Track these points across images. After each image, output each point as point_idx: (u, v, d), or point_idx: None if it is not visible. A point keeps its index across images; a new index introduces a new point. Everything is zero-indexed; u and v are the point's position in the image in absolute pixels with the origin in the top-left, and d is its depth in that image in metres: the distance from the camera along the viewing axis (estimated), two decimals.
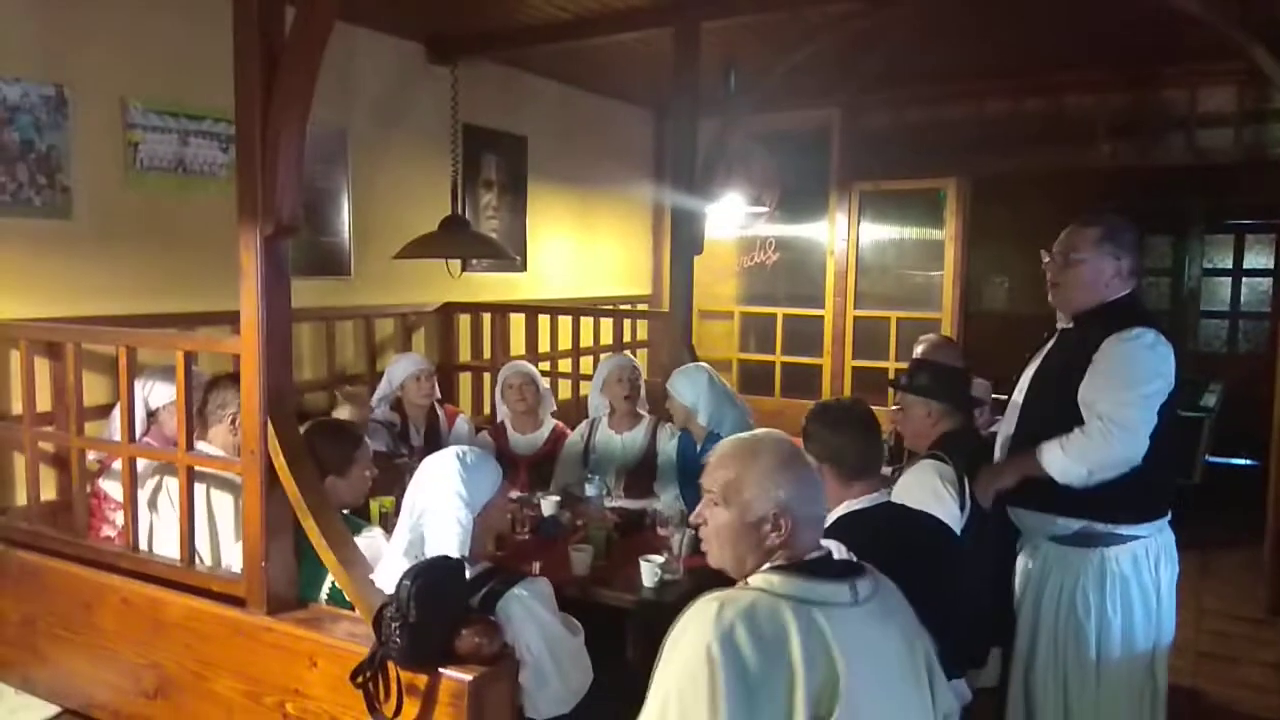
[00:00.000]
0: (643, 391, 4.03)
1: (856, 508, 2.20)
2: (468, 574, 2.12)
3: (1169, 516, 2.58)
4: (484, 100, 5.11)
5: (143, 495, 2.81)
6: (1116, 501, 2.46)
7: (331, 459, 2.58)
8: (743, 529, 1.55)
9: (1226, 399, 6.13)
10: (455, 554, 2.17)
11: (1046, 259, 2.63)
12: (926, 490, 2.48)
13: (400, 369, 4.01)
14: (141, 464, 2.81)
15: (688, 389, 3.66)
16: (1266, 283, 7.90)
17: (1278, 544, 4.59)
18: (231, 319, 2.33)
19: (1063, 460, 2.42)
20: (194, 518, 2.62)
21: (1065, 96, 5.58)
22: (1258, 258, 8.02)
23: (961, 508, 2.49)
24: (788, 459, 1.58)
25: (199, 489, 2.69)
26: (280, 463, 2.29)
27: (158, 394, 3.04)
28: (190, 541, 2.61)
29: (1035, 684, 2.62)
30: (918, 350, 4.17)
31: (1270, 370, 4.97)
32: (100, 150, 3.44)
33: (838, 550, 1.91)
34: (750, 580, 1.52)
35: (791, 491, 1.54)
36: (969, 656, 2.44)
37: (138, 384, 2.94)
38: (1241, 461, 6.27)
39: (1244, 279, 8.11)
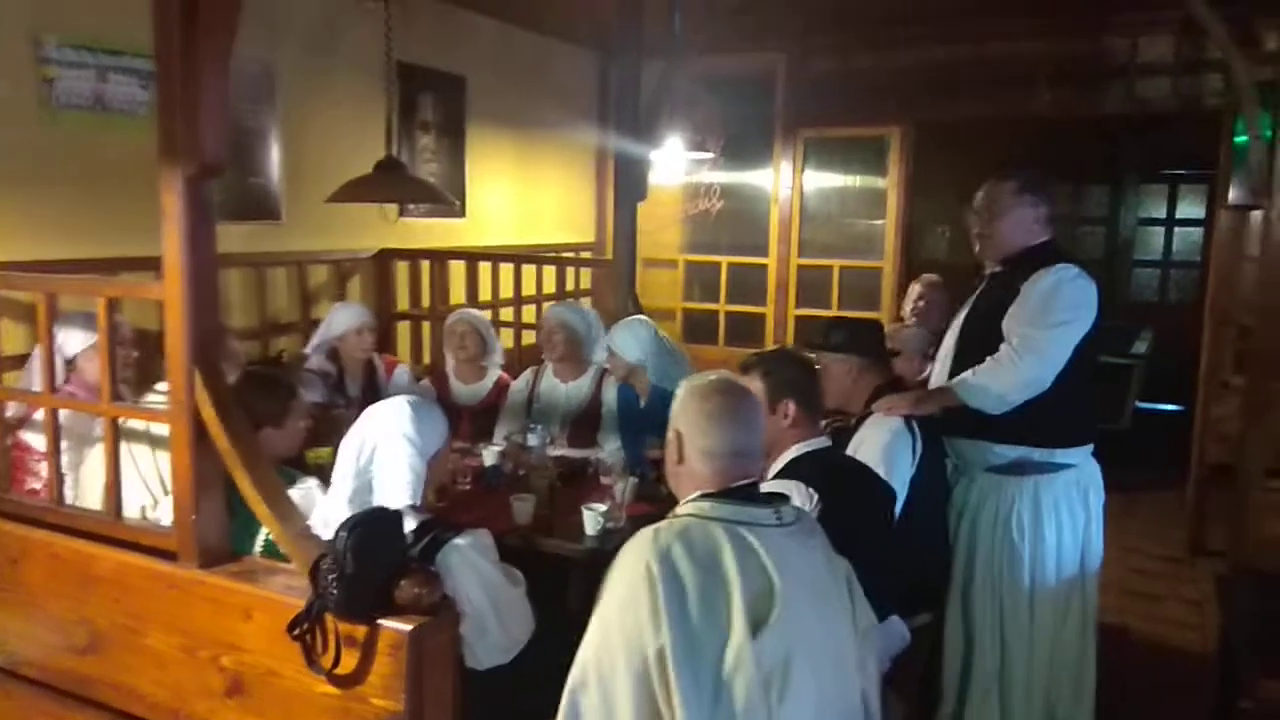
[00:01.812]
0: (584, 340, 3.94)
1: (809, 450, 2.29)
2: (410, 525, 2.10)
3: (1093, 448, 2.75)
4: (420, 38, 4.94)
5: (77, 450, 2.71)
6: (1050, 428, 2.62)
7: (265, 410, 2.52)
8: (668, 456, 1.75)
9: (1157, 346, 6.30)
10: (408, 501, 2.17)
11: (972, 215, 2.81)
12: (883, 441, 2.52)
13: (340, 320, 3.90)
14: (68, 416, 2.71)
15: (632, 345, 3.61)
16: (1198, 233, 8.09)
17: (1200, 487, 4.77)
18: (157, 265, 2.23)
19: (974, 384, 2.57)
20: (119, 469, 2.54)
21: (1009, 44, 5.58)
22: (1190, 207, 8.20)
23: (915, 455, 2.55)
24: (701, 395, 1.70)
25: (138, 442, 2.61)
26: (209, 413, 2.21)
27: (73, 341, 2.91)
28: (117, 494, 2.53)
29: (973, 609, 2.75)
30: (916, 291, 4.22)
31: (1199, 319, 5.12)
32: (12, 88, 3.25)
33: (799, 491, 1.99)
34: (680, 509, 1.64)
35: (687, 423, 1.70)
36: (923, 596, 2.55)
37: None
38: (1169, 407, 6.46)
39: (1176, 229, 8.29)
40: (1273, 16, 4.17)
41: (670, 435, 1.73)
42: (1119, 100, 5.42)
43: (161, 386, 2.70)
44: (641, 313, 4.23)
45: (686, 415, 1.70)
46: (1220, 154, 4.99)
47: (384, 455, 2.23)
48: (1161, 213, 8.33)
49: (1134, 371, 5.80)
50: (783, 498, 1.70)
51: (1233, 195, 4.73)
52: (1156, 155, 7.90)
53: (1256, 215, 4.28)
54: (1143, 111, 5.45)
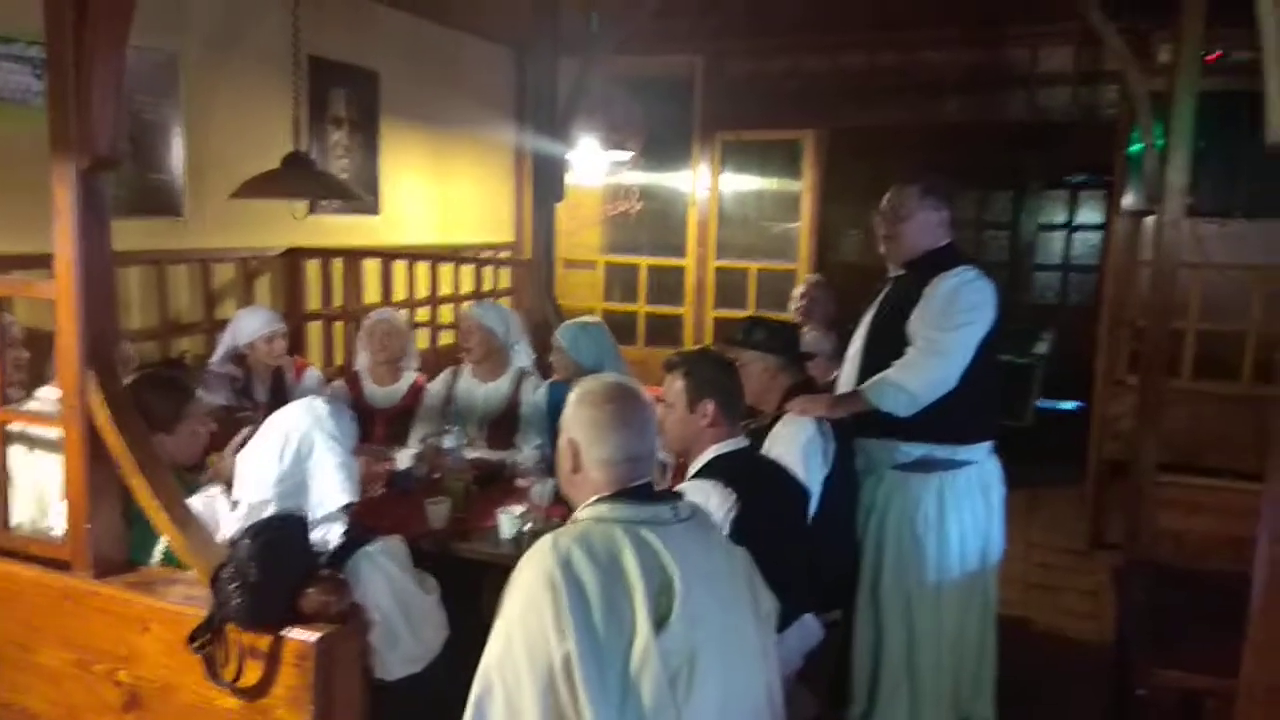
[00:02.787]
0: (503, 340, 3.88)
1: (727, 450, 2.32)
2: (340, 529, 2.05)
3: (994, 445, 2.85)
4: (331, 31, 4.82)
5: None
6: (953, 425, 2.71)
7: (158, 414, 2.42)
8: (561, 464, 1.74)
9: (1057, 347, 6.53)
10: (349, 498, 2.15)
11: (877, 218, 2.89)
12: (797, 442, 2.56)
13: (247, 327, 3.75)
14: None
15: (590, 348, 3.53)
16: (1096, 237, 8.41)
17: (1098, 482, 4.96)
18: (49, 261, 2.13)
19: (883, 387, 2.64)
20: (5, 476, 2.41)
21: (917, 52, 5.73)
22: (1089, 213, 8.51)
23: (827, 456, 2.60)
24: (593, 403, 1.70)
25: (18, 446, 2.48)
26: (103, 417, 2.12)
27: None
28: (3, 502, 2.41)
29: (882, 605, 2.81)
30: (799, 290, 4.39)
31: (1097, 321, 5.32)
32: None
33: (717, 491, 2.01)
34: (578, 514, 1.65)
35: (581, 431, 1.68)
36: (833, 594, 2.60)
37: None
38: (1069, 405, 6.70)
39: (1076, 234, 8.61)
40: (1166, 29, 4.35)
41: (563, 443, 1.72)
42: (1021, 109, 5.62)
43: (42, 392, 2.59)
44: (561, 314, 4.21)
45: (580, 423, 1.69)
46: (1116, 161, 5.20)
47: (316, 455, 2.18)
48: (1062, 218, 8.64)
49: (1035, 371, 6.00)
50: (677, 495, 1.73)
51: (1128, 201, 4.93)
52: (1057, 162, 8.19)
53: (1150, 221, 4.46)
54: (1043, 120, 5.65)
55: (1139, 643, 2.62)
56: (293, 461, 2.16)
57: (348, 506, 2.16)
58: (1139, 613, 2.80)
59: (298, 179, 3.90)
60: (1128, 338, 4.87)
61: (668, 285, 6.62)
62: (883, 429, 2.72)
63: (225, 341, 3.80)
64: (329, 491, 2.14)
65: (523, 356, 3.86)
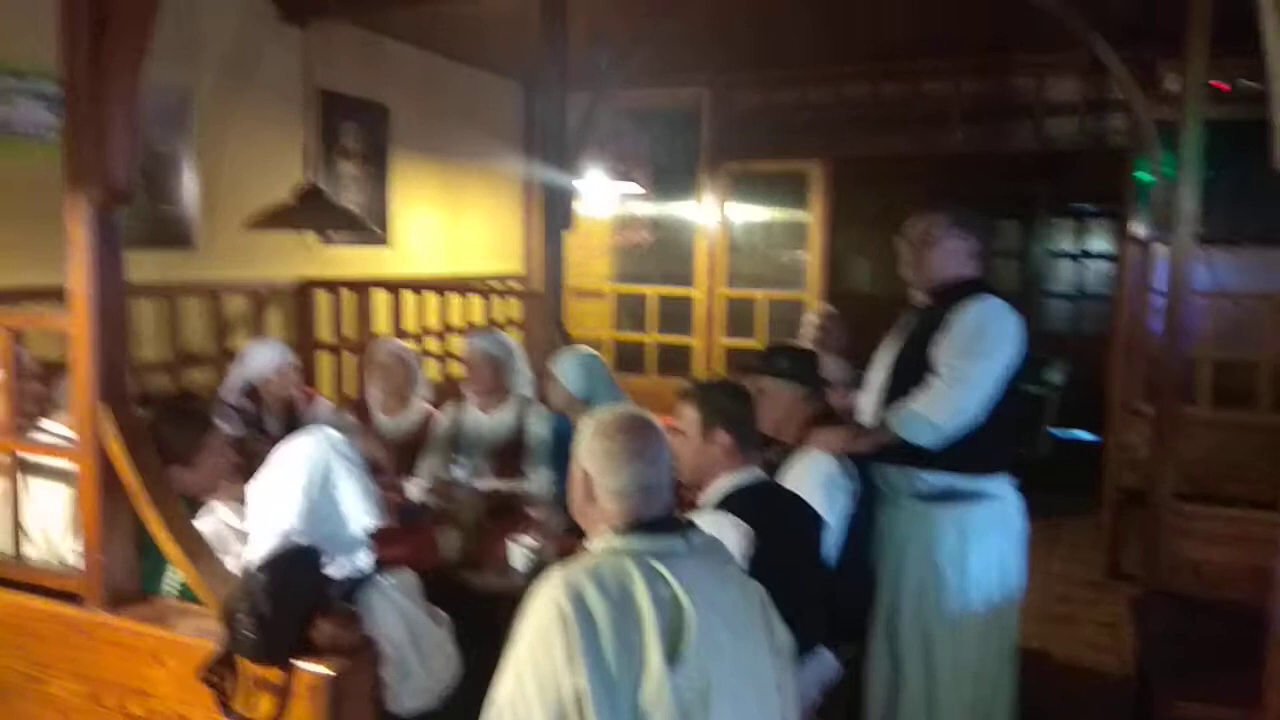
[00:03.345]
0: (506, 369, 3.87)
1: (741, 481, 2.28)
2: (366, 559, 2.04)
3: (1015, 479, 2.79)
4: (342, 65, 4.89)
5: None
6: (975, 455, 2.64)
7: (176, 446, 2.42)
8: (574, 494, 1.73)
9: (1072, 376, 6.50)
10: (375, 522, 2.15)
11: (902, 243, 2.83)
12: (816, 479, 2.53)
13: (259, 361, 3.75)
14: None
15: (582, 378, 3.53)
16: (1107, 265, 8.41)
17: (1115, 512, 4.91)
18: (63, 294, 2.14)
19: (906, 417, 2.59)
20: (19, 507, 2.41)
21: (922, 83, 5.76)
22: (1099, 242, 8.53)
23: (848, 494, 2.57)
24: (606, 434, 1.69)
25: (29, 477, 2.48)
26: (116, 449, 2.12)
27: None
28: (16, 533, 2.40)
29: (900, 641, 2.75)
30: (813, 320, 4.35)
31: (1111, 350, 5.30)
32: None
33: (733, 526, 1.99)
34: (591, 545, 1.64)
35: (593, 462, 1.68)
36: (851, 628, 2.55)
37: None
38: (1083, 435, 6.66)
39: (1087, 261, 8.61)
40: (1172, 59, 4.37)
41: (576, 473, 1.71)
42: (1028, 138, 5.63)
43: (46, 424, 2.58)
44: (571, 343, 4.20)
45: (593, 454, 1.68)
46: (1125, 190, 5.20)
47: (339, 482, 2.17)
48: (1071, 246, 8.65)
49: (1047, 400, 5.97)
50: (691, 525, 1.70)
51: (1138, 230, 4.93)
52: (1065, 191, 8.21)
53: (1161, 248, 4.46)
54: (1050, 149, 5.66)
55: (1159, 675, 2.59)
56: (320, 491, 2.15)
57: (374, 533, 2.15)
58: (1159, 644, 2.76)
59: (309, 211, 3.94)
60: (1141, 366, 4.85)
61: (677, 314, 6.63)
62: (902, 457, 2.67)
63: (236, 374, 3.80)
64: (356, 516, 2.14)
65: (524, 386, 3.86)
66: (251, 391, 3.78)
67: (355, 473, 2.18)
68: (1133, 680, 3.20)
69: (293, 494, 2.14)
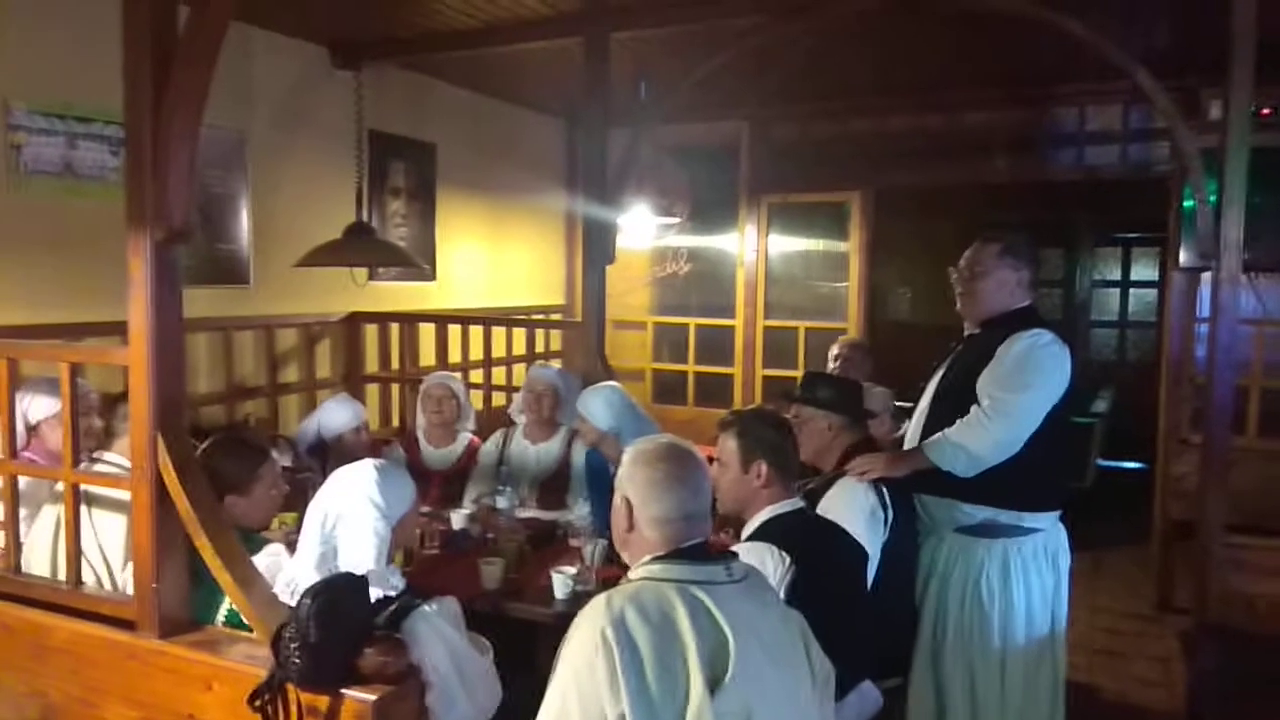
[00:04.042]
0: (564, 401, 3.92)
1: (782, 511, 2.28)
2: (376, 593, 2.08)
3: (1061, 513, 2.75)
4: (391, 106, 5.02)
5: (34, 517, 2.65)
6: (1019, 491, 2.62)
7: (231, 476, 2.48)
8: (616, 523, 1.75)
9: (1117, 405, 6.39)
10: (372, 566, 2.15)
11: (954, 274, 2.82)
12: (855, 509, 2.53)
13: (336, 419, 3.82)
14: (25, 482, 2.65)
15: (604, 412, 3.55)
16: (1152, 294, 8.29)
17: (1164, 544, 4.81)
18: (122, 329, 2.22)
19: (945, 445, 2.57)
20: (79, 538, 2.49)
21: (963, 114, 5.75)
22: (1144, 270, 8.41)
23: (886, 525, 2.55)
24: (647, 463, 1.71)
25: (87, 508, 2.56)
26: (171, 479, 2.19)
27: (38, 407, 2.87)
28: (77, 562, 2.47)
29: (944, 674, 2.72)
30: (834, 351, 4.33)
31: (1158, 378, 5.21)
32: None
33: (772, 555, 1.99)
34: (632, 574, 1.65)
35: (635, 491, 1.70)
36: (893, 659, 2.53)
37: (17, 397, 2.78)
38: (1131, 465, 6.54)
39: (1132, 290, 8.49)
40: (1215, 86, 4.33)
41: (618, 502, 1.73)
42: (1070, 167, 5.59)
43: (107, 455, 2.66)
44: (612, 374, 4.25)
45: (634, 483, 1.70)
46: (1170, 218, 5.14)
47: (349, 520, 2.23)
48: (1116, 275, 8.54)
49: (1094, 430, 5.88)
50: (733, 555, 1.72)
51: (1183, 258, 4.86)
52: (1108, 219, 8.12)
53: (1207, 277, 4.39)
54: (1093, 178, 5.62)
55: (1211, 712, 2.53)
56: (331, 525, 2.24)
57: (382, 575, 2.18)
58: (1210, 680, 2.71)
59: (360, 248, 4.04)
60: (1189, 395, 4.77)
61: (717, 345, 6.64)
62: (943, 488, 2.65)
63: (310, 425, 3.87)
64: (357, 557, 2.18)
65: (571, 418, 3.90)
66: (321, 445, 3.84)
67: (371, 516, 2.22)
68: (1184, 717, 3.12)
69: (312, 528, 2.24)
